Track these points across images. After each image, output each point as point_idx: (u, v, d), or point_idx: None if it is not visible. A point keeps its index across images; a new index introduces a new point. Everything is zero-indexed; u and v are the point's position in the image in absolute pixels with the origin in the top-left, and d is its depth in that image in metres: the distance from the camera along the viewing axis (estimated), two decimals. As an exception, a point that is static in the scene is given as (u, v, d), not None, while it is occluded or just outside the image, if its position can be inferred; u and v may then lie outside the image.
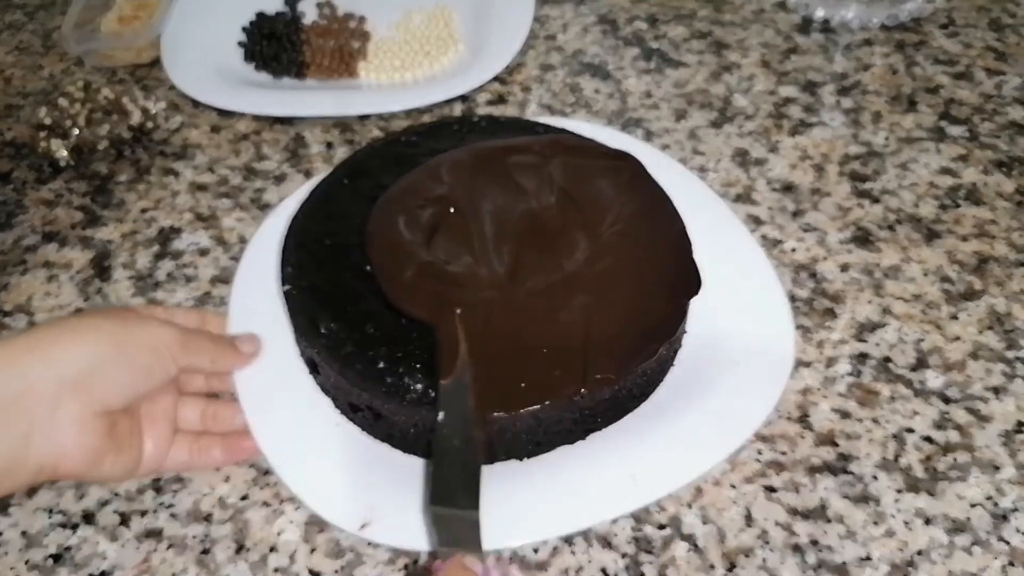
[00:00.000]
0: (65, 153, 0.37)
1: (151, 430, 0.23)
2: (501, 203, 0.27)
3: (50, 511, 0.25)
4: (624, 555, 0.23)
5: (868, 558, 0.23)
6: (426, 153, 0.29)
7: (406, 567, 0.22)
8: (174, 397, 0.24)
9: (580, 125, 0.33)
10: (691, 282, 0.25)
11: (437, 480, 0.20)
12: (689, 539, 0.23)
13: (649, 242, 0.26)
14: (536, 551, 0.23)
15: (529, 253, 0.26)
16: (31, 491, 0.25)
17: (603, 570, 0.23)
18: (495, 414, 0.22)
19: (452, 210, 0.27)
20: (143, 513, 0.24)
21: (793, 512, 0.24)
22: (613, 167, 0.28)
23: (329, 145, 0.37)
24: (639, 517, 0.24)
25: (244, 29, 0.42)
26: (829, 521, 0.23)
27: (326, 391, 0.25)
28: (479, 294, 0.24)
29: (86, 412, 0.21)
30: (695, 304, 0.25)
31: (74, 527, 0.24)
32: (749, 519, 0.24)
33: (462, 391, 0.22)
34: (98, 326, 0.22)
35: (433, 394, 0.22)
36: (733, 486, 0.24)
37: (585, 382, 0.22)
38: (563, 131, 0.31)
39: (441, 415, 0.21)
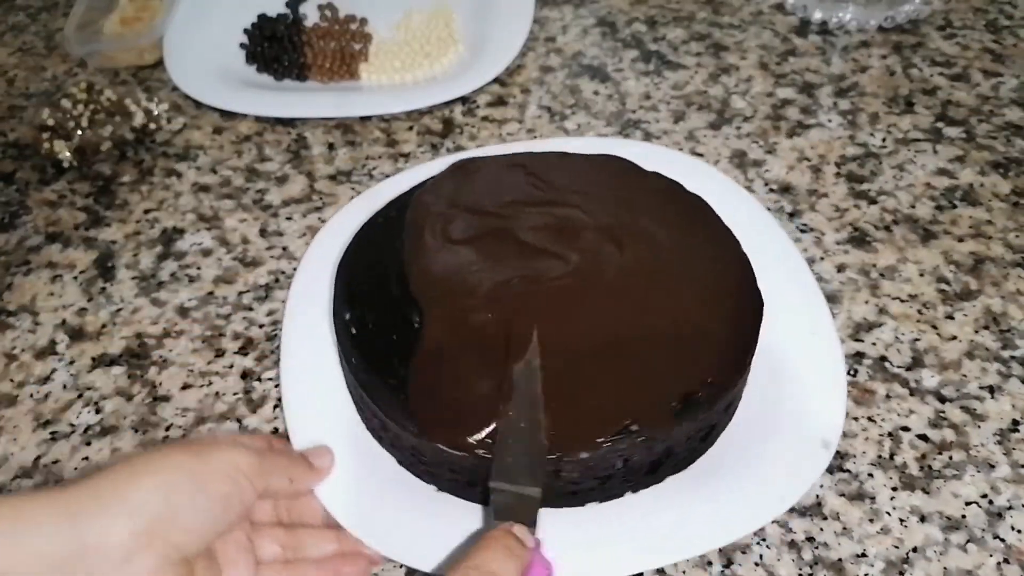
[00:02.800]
0: (68, 154, 0.37)
1: (231, 570, 0.20)
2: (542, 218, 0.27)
3: (55, 509, 0.25)
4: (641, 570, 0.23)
5: (864, 555, 0.23)
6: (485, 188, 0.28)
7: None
8: (247, 528, 0.21)
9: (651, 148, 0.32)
10: (756, 307, 0.24)
11: (501, 458, 0.21)
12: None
13: (709, 269, 0.25)
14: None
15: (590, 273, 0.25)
16: (36, 489, 0.25)
17: (602, 567, 0.23)
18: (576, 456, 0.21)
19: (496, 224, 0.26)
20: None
21: (789, 509, 0.24)
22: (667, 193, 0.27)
23: (331, 146, 0.38)
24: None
25: (246, 31, 0.43)
26: (825, 518, 0.24)
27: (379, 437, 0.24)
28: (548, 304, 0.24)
29: (162, 563, 0.18)
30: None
31: (79, 525, 0.24)
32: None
33: (532, 375, 0.22)
34: (171, 460, 0.19)
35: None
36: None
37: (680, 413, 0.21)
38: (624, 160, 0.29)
39: (511, 399, 0.21)
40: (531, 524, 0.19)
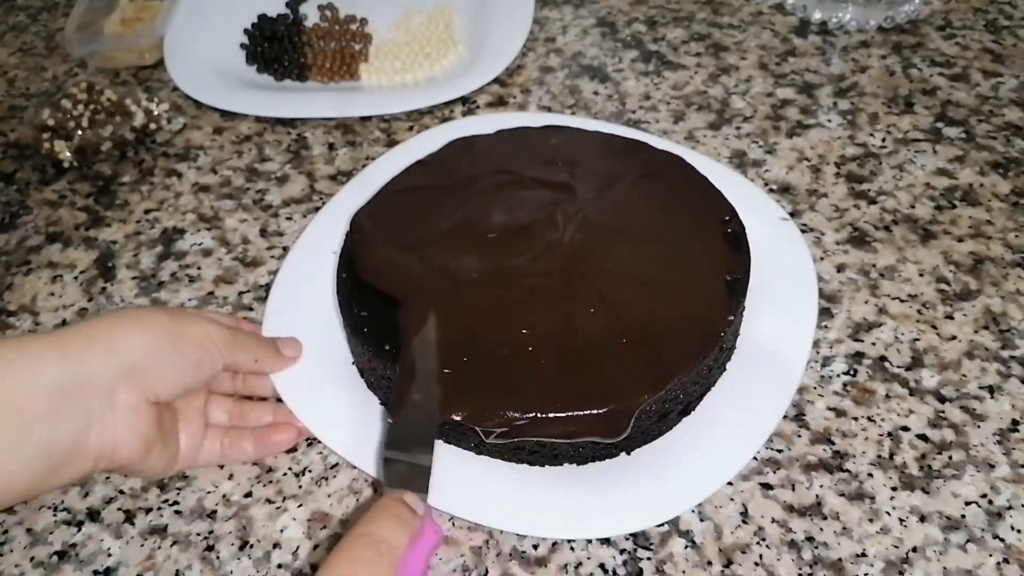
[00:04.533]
0: (68, 154, 0.37)
1: (186, 426, 0.24)
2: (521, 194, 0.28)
3: (55, 508, 0.25)
4: (622, 551, 0.23)
5: (864, 555, 0.23)
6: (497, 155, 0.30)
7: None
8: (205, 394, 0.25)
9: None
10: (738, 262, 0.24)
11: (395, 427, 0.21)
12: (686, 536, 0.23)
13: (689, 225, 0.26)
14: (536, 547, 0.23)
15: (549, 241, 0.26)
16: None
17: (601, 566, 0.23)
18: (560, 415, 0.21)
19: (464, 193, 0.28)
20: (148, 511, 0.25)
21: (789, 509, 0.24)
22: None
23: (331, 146, 0.38)
24: (637, 514, 0.24)
25: (246, 31, 0.43)
26: (825, 518, 0.24)
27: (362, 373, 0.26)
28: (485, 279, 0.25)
29: (140, 400, 0.21)
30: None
31: (79, 524, 0.25)
32: (746, 516, 0.24)
33: (427, 349, 0.23)
34: (155, 319, 0.22)
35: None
36: (730, 483, 0.24)
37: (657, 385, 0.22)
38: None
39: (401, 369, 0.22)
40: (423, 492, 0.20)
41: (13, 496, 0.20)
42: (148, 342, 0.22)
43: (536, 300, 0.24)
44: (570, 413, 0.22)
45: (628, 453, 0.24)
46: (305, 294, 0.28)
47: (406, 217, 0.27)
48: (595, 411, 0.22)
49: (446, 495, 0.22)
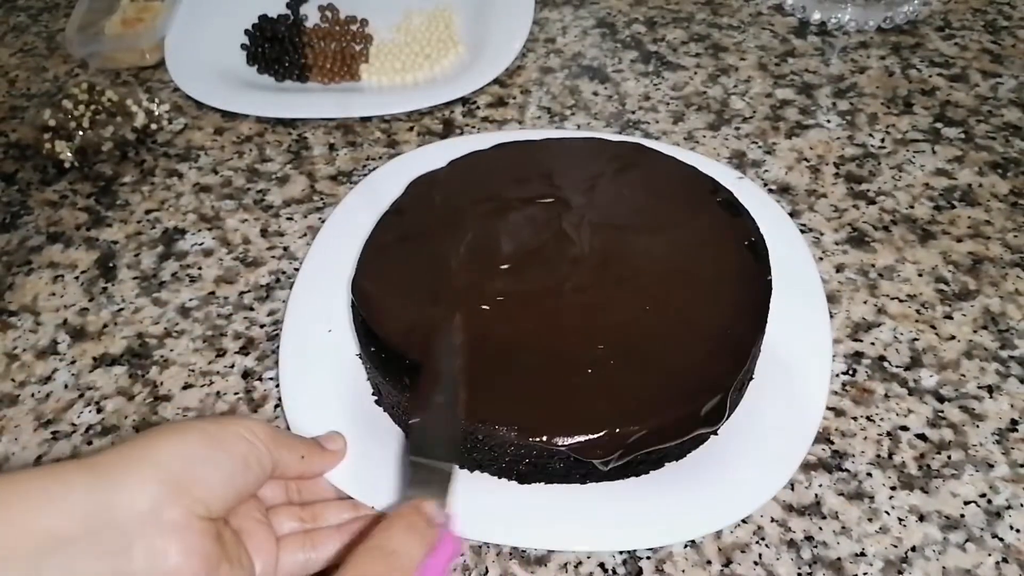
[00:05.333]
0: (69, 154, 0.37)
1: (255, 544, 0.21)
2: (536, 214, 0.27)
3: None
4: (622, 551, 0.23)
5: (863, 554, 0.23)
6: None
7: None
8: (261, 505, 0.22)
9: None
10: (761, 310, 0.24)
11: (419, 431, 0.21)
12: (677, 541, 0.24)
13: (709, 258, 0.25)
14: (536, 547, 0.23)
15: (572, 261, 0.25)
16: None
17: (601, 565, 0.23)
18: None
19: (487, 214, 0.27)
20: None
21: (788, 508, 0.24)
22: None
23: (331, 147, 0.38)
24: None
25: (247, 32, 0.43)
26: (824, 517, 0.24)
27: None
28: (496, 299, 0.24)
29: (189, 516, 0.19)
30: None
31: None
32: (744, 516, 0.24)
33: (451, 351, 0.22)
34: (191, 424, 0.20)
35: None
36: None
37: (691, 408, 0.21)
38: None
39: (425, 371, 0.22)
40: (443, 498, 0.19)
41: None
42: (187, 447, 0.19)
43: (586, 315, 0.24)
44: (677, 414, 0.21)
45: (678, 459, 0.23)
46: (320, 325, 0.27)
47: (407, 271, 0.25)
48: (696, 403, 0.21)
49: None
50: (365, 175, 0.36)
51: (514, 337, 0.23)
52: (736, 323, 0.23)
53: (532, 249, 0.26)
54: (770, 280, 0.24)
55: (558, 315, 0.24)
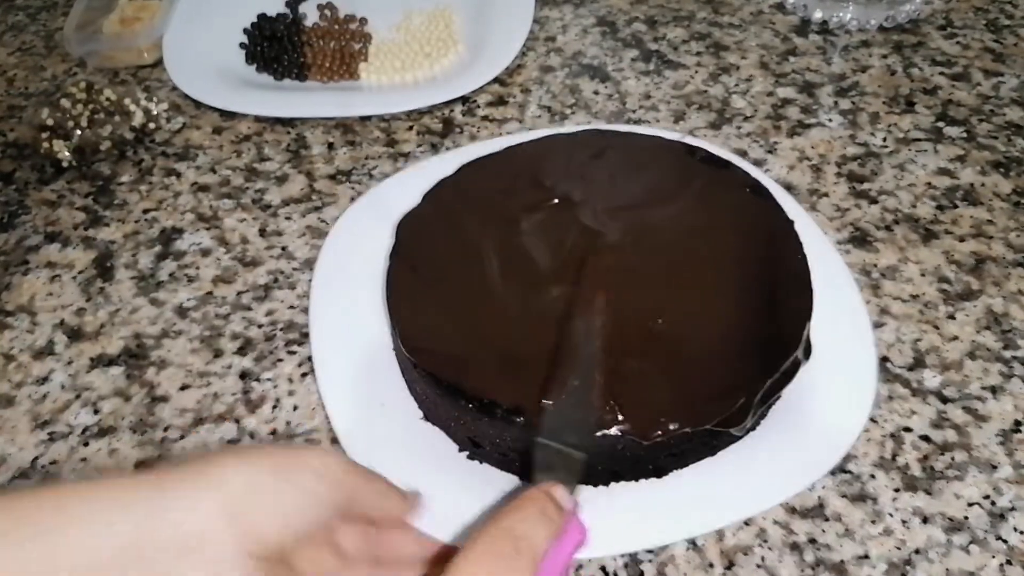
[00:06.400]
0: (67, 154, 0.37)
1: None
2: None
3: None
4: (623, 553, 0.23)
5: (866, 556, 0.23)
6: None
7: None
8: (338, 557, 0.18)
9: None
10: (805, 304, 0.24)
11: (552, 414, 0.20)
12: (687, 537, 0.23)
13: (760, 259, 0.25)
14: (536, 549, 0.23)
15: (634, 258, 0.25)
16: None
17: (603, 568, 0.23)
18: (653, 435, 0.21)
19: (556, 201, 0.27)
20: None
21: (791, 511, 0.24)
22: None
23: (330, 146, 0.37)
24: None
25: (245, 31, 0.43)
26: (827, 520, 0.24)
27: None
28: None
29: (238, 550, 0.16)
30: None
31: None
32: (747, 518, 0.24)
33: (591, 334, 0.21)
34: (258, 449, 0.18)
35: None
36: (732, 485, 0.24)
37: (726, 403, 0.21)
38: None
39: (561, 353, 0.21)
40: (572, 484, 0.18)
41: None
42: (251, 471, 0.17)
43: (641, 297, 0.24)
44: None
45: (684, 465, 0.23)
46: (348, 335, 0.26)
47: (452, 314, 0.24)
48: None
49: (440, 520, 0.21)
50: (365, 174, 0.36)
51: (594, 333, 0.22)
52: (782, 329, 0.23)
53: (565, 249, 0.26)
54: (809, 269, 0.25)
55: (619, 303, 0.24)
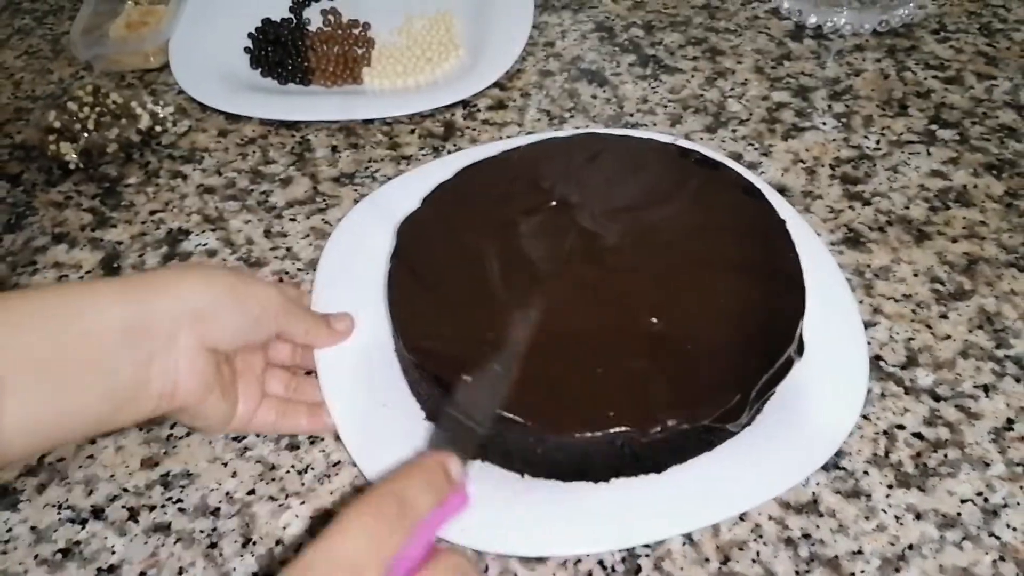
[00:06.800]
0: (74, 156, 0.37)
1: (244, 387, 0.25)
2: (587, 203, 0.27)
3: (59, 506, 0.25)
4: (620, 548, 0.23)
5: (860, 552, 0.23)
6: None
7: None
8: (263, 361, 0.26)
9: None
10: (798, 302, 0.24)
11: (466, 389, 0.22)
12: (684, 533, 0.24)
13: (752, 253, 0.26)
14: (535, 544, 0.23)
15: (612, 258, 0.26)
16: (41, 487, 0.26)
17: (600, 563, 0.23)
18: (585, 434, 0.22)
19: (553, 204, 0.28)
20: (151, 508, 0.25)
21: (786, 507, 0.24)
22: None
23: (334, 149, 0.38)
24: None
25: (250, 35, 0.43)
26: (821, 515, 0.24)
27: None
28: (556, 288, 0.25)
29: (199, 344, 0.22)
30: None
31: (83, 522, 0.25)
32: (742, 513, 0.24)
33: (527, 328, 0.23)
34: (219, 274, 0.23)
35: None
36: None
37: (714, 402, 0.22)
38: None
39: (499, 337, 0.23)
40: (467, 456, 0.19)
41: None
42: (211, 292, 0.22)
43: (641, 296, 0.25)
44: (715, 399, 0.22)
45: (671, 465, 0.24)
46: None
47: (454, 317, 0.25)
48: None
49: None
50: (368, 177, 0.36)
51: (586, 333, 0.24)
52: (770, 332, 0.24)
53: (563, 251, 0.26)
54: (800, 267, 0.25)
55: (621, 303, 0.25)
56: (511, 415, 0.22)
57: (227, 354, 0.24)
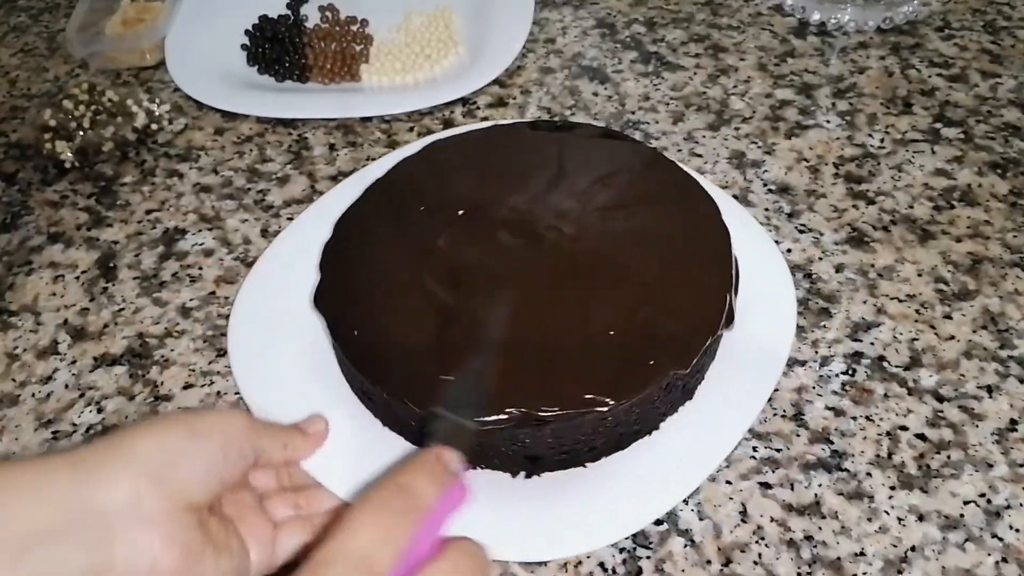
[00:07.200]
0: (70, 155, 0.37)
1: (248, 531, 0.21)
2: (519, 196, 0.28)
3: None
4: (622, 550, 0.23)
5: (862, 554, 0.23)
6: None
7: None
8: (255, 494, 0.23)
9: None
10: (731, 277, 0.25)
11: (450, 388, 0.22)
12: (686, 534, 0.24)
13: (682, 234, 0.27)
14: (535, 547, 0.23)
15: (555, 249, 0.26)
16: None
17: (601, 564, 0.23)
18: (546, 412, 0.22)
19: (461, 213, 0.27)
20: None
21: (788, 508, 0.24)
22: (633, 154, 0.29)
23: (332, 147, 0.38)
24: (637, 513, 0.24)
25: (247, 32, 0.43)
26: (824, 517, 0.24)
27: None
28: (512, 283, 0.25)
29: (171, 507, 0.19)
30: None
31: None
32: (744, 515, 0.24)
33: (499, 324, 0.23)
34: (170, 418, 0.21)
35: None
36: (729, 483, 0.25)
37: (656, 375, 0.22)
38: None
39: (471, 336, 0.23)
40: (462, 452, 0.20)
41: None
42: (165, 440, 0.20)
43: (557, 300, 0.25)
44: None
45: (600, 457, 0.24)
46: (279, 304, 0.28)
47: (398, 311, 0.25)
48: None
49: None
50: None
51: (536, 327, 0.24)
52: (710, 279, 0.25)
53: (492, 245, 0.26)
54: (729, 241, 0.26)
55: (547, 297, 0.25)
56: (497, 413, 0.22)
57: (210, 505, 0.20)
